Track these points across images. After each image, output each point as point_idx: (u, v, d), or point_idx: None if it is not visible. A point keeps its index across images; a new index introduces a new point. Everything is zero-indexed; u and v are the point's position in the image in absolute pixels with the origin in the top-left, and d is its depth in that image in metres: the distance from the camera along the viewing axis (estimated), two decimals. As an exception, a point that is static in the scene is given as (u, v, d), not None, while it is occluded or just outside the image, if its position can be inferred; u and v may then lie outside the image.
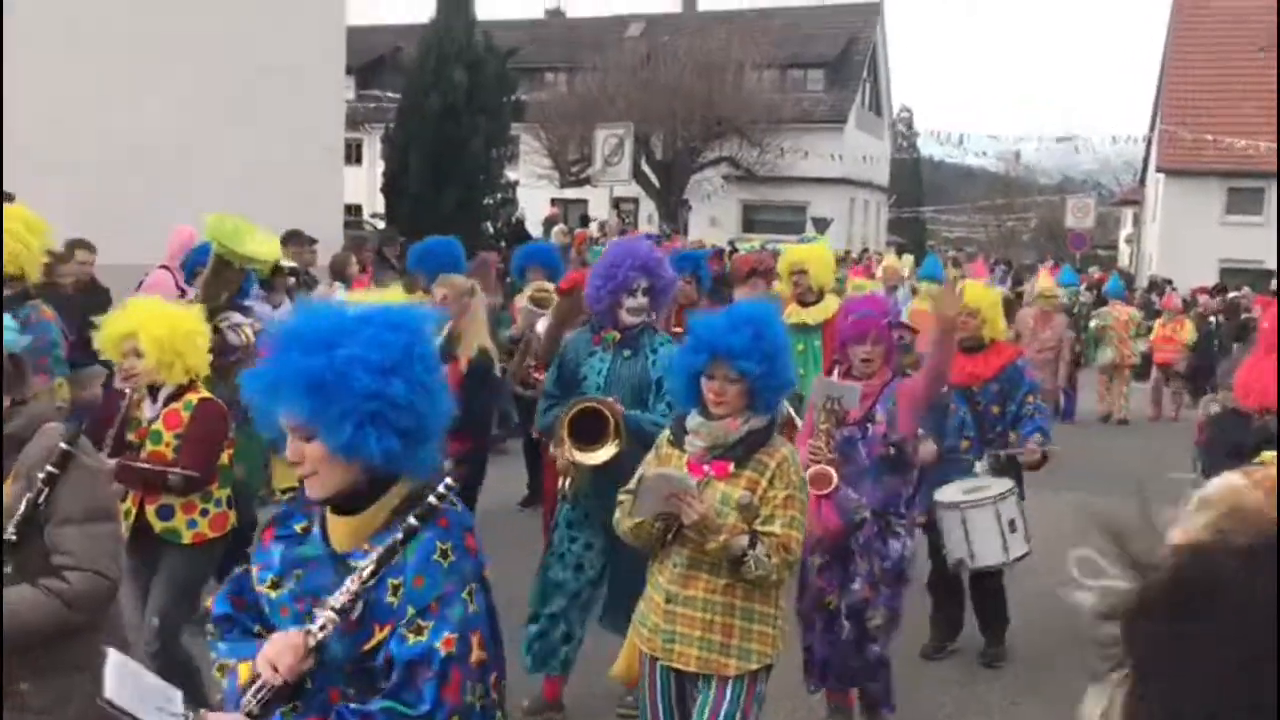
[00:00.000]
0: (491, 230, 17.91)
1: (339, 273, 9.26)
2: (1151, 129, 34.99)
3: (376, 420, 2.06)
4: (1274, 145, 25.20)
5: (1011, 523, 5.27)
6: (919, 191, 54.30)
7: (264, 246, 5.45)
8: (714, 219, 33.79)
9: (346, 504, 2.20)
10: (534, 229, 17.75)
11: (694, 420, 3.44)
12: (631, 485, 3.43)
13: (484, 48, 18.56)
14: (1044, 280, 12.47)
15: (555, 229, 17.49)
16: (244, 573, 2.38)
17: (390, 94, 26.40)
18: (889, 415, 4.61)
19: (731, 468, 3.38)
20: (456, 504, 2.26)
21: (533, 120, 29.57)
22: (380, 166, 18.27)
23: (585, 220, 23.90)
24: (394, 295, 4.35)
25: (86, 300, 7.13)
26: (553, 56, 36.45)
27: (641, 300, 4.71)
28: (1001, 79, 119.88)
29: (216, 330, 4.84)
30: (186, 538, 4.28)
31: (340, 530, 2.22)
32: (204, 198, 9.08)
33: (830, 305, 7.02)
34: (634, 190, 30.51)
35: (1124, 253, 41.99)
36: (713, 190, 33.67)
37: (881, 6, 39.12)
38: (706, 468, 3.40)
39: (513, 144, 23.65)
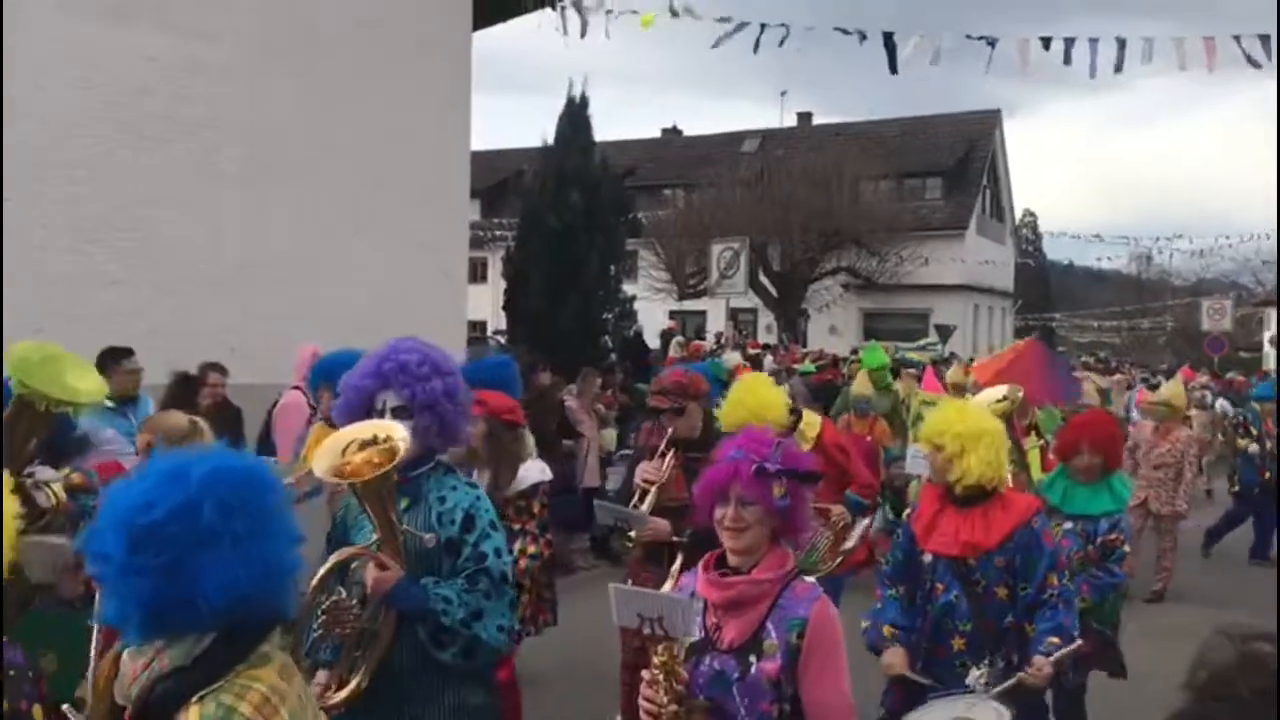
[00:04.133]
0: (610, 344, 18.14)
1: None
2: (1291, 227, 33.74)
3: None
4: None
5: None
6: (1047, 296, 53.27)
7: (83, 381, 4.26)
8: (833, 327, 33.67)
9: None
10: (653, 342, 17.91)
11: None
12: None
13: (601, 169, 19.09)
14: (1172, 387, 10.71)
15: (673, 341, 17.66)
16: None
17: (509, 220, 27.34)
18: (790, 651, 2.70)
19: None
20: None
21: (650, 236, 30.23)
22: (502, 285, 18.77)
23: (700, 333, 24.07)
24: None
25: (220, 421, 7.46)
26: (669, 174, 37.41)
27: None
28: (1131, 180, 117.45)
29: (19, 489, 3.68)
30: None
31: None
32: (328, 317, 9.45)
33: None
34: (752, 301, 30.68)
35: (1269, 356, 40.16)
36: (831, 300, 33.63)
37: (999, 114, 39.05)
38: None
39: (630, 260, 24.08)
